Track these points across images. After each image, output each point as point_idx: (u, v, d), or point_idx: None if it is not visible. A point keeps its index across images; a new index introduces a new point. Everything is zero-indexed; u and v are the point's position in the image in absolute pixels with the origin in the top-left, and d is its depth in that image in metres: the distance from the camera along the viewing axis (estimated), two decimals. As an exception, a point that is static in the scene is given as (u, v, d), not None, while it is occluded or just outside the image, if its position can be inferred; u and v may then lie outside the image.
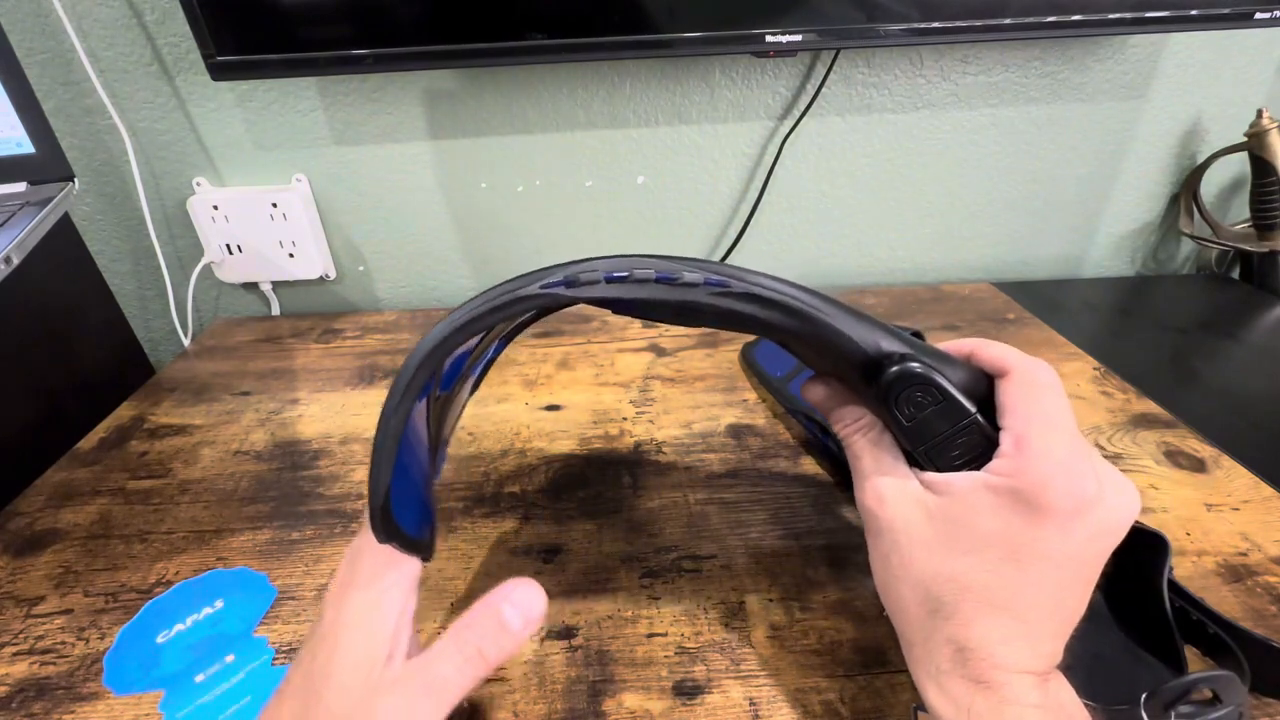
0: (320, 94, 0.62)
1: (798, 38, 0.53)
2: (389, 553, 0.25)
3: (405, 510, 0.25)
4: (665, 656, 0.33)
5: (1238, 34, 0.64)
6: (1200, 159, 0.70)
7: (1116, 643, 0.32)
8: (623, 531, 0.41)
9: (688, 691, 0.32)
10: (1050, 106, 0.67)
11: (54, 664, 0.34)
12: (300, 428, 0.51)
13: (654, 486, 0.44)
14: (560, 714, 0.31)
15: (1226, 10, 0.54)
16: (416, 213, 0.68)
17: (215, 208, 0.65)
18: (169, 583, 0.38)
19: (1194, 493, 0.43)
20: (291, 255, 0.67)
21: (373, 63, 0.52)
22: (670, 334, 0.63)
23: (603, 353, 0.60)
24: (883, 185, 0.70)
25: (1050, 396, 0.25)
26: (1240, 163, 0.69)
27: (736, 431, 0.49)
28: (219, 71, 0.52)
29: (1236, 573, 0.37)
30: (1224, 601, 0.35)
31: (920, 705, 0.26)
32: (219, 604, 0.37)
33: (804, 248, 0.73)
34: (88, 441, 0.50)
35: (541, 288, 0.25)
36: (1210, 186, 0.73)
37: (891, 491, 0.27)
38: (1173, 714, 0.26)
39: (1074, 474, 0.23)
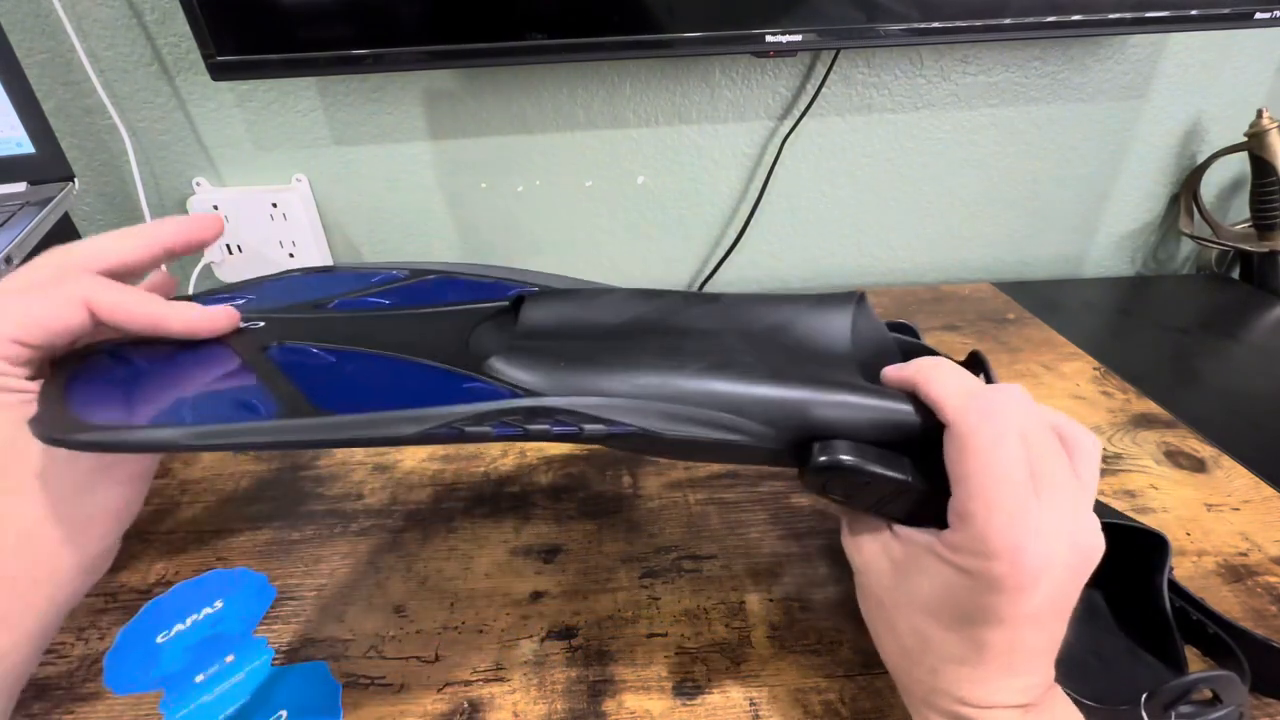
0: (320, 94, 0.62)
1: (798, 38, 0.53)
2: None
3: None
4: (665, 656, 0.33)
5: (1238, 34, 0.64)
6: (1200, 159, 0.70)
7: (1116, 643, 0.32)
8: (623, 531, 0.41)
9: (688, 691, 0.32)
10: (1050, 106, 0.67)
11: (53, 664, 0.34)
12: (300, 428, 0.51)
13: (654, 486, 0.44)
14: (560, 714, 0.31)
15: (1226, 10, 0.54)
16: (416, 213, 0.68)
17: (215, 208, 0.65)
18: (169, 583, 0.38)
19: (1194, 493, 0.43)
20: (291, 255, 0.67)
21: (373, 63, 0.52)
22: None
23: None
24: (883, 185, 0.70)
25: (991, 451, 0.22)
26: (1240, 163, 0.69)
27: (736, 431, 0.49)
28: (219, 71, 0.52)
29: (1236, 573, 0.37)
30: (1224, 601, 0.35)
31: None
32: (219, 604, 0.37)
33: (804, 248, 0.73)
34: (87, 441, 0.50)
35: (487, 430, 0.22)
36: (1210, 186, 0.73)
37: (865, 535, 0.27)
38: (1173, 714, 0.27)
39: (1019, 550, 0.21)
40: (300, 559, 0.39)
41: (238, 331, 0.26)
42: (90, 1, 0.56)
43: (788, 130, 0.65)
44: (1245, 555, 0.38)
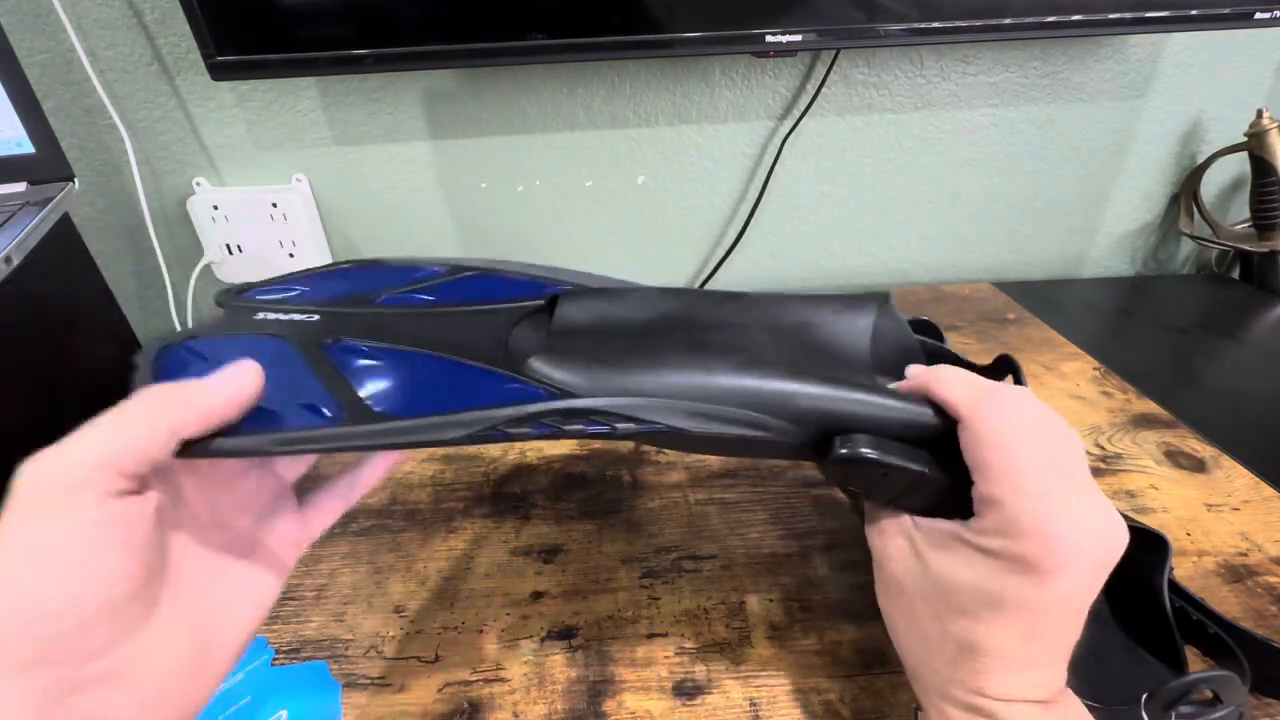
0: (320, 94, 0.62)
1: (798, 38, 0.53)
2: None
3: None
4: (665, 657, 0.33)
5: (1238, 34, 0.64)
6: (1200, 159, 0.70)
7: (1117, 643, 0.32)
8: (623, 531, 0.41)
9: (688, 692, 0.32)
10: (1050, 106, 0.67)
11: (54, 664, 0.34)
12: (300, 428, 0.51)
13: (654, 486, 0.44)
14: (560, 714, 0.31)
15: (1226, 10, 0.54)
16: (416, 213, 0.68)
17: (215, 208, 0.65)
18: (169, 583, 0.38)
19: (1194, 493, 0.43)
20: (291, 255, 0.67)
21: (373, 63, 0.52)
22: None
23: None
24: (883, 185, 0.70)
25: (1010, 440, 0.23)
26: (1240, 163, 0.69)
27: (736, 431, 0.49)
28: (219, 71, 0.52)
29: (1237, 573, 0.37)
30: (1224, 602, 0.35)
31: (921, 705, 0.26)
32: (219, 604, 0.37)
33: (804, 248, 0.73)
34: (87, 441, 0.50)
35: (525, 432, 0.24)
36: (1210, 186, 0.73)
37: (888, 528, 0.27)
38: (1173, 714, 0.27)
39: (1049, 534, 0.21)
40: (300, 559, 0.39)
41: (295, 325, 0.27)
42: (90, 1, 0.56)
43: (788, 130, 0.65)
44: (1245, 555, 0.38)
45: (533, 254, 0.71)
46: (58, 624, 0.17)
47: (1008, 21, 0.54)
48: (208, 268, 0.67)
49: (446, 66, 0.60)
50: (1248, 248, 0.68)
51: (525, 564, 0.39)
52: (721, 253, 0.72)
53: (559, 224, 0.70)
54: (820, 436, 0.26)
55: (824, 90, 0.64)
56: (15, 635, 0.17)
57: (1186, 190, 0.71)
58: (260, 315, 0.28)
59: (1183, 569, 0.37)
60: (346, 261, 0.35)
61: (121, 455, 0.19)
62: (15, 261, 0.46)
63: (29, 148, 0.52)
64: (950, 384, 0.25)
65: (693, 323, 0.30)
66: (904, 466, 0.25)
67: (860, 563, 0.38)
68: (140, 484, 0.19)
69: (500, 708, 0.31)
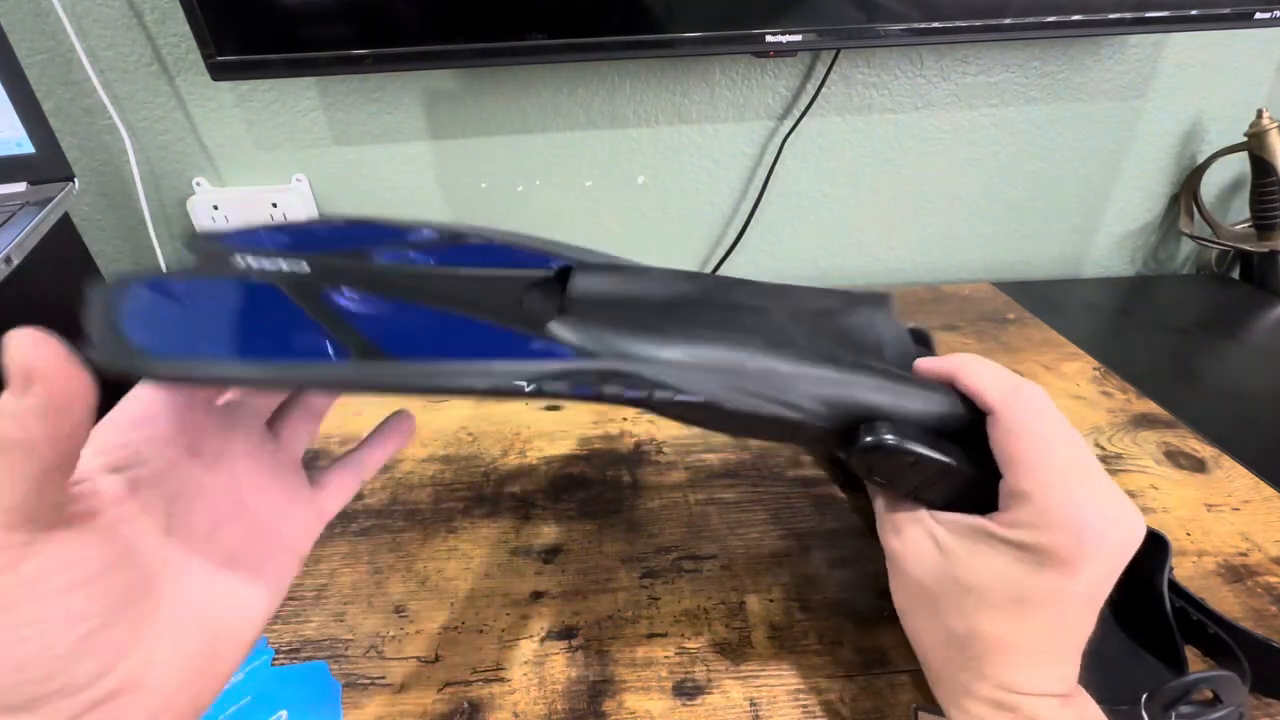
0: (320, 94, 0.62)
1: (798, 37, 0.53)
2: None
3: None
4: (665, 657, 0.33)
5: (1238, 34, 0.64)
6: (1200, 159, 0.70)
7: (1117, 643, 0.32)
8: (623, 531, 0.41)
9: (688, 692, 0.32)
10: (1050, 106, 0.67)
11: (54, 664, 0.34)
12: (300, 428, 0.51)
13: (654, 486, 0.44)
14: (560, 714, 0.31)
15: (1226, 10, 0.54)
16: (416, 213, 0.68)
17: (215, 207, 0.65)
18: (169, 583, 0.38)
19: (1194, 493, 0.43)
20: (291, 255, 0.67)
21: (373, 63, 0.52)
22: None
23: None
24: (883, 185, 0.70)
25: (1042, 435, 0.24)
26: (1240, 163, 0.69)
27: (736, 431, 0.49)
28: (219, 71, 0.52)
29: (1237, 573, 0.37)
30: (1224, 602, 0.35)
31: (921, 706, 0.26)
32: (219, 604, 0.37)
33: (804, 248, 0.73)
34: (87, 441, 0.50)
35: (556, 390, 0.23)
36: (1210, 186, 0.73)
37: (906, 523, 0.27)
38: (1173, 714, 0.26)
39: (1078, 527, 0.22)
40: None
41: (285, 275, 0.24)
42: (90, 1, 0.56)
43: (788, 130, 0.65)
44: (1245, 555, 0.38)
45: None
46: (27, 675, 0.16)
47: (1008, 21, 0.54)
48: (208, 268, 0.67)
49: (446, 66, 0.60)
50: (1248, 248, 0.68)
51: (525, 564, 0.39)
52: (721, 253, 0.72)
53: (559, 224, 0.70)
54: (847, 424, 0.26)
55: (824, 90, 0.64)
56: None
57: (1186, 190, 0.71)
58: (241, 262, 0.24)
59: (1183, 569, 0.37)
60: (331, 216, 0.32)
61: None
62: (15, 261, 0.46)
63: (29, 148, 0.52)
64: (980, 374, 0.25)
65: (713, 303, 0.29)
66: (929, 456, 0.25)
67: (860, 562, 0.38)
68: (51, 524, 0.17)
69: (500, 708, 0.31)
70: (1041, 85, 0.66)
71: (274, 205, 0.64)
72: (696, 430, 0.49)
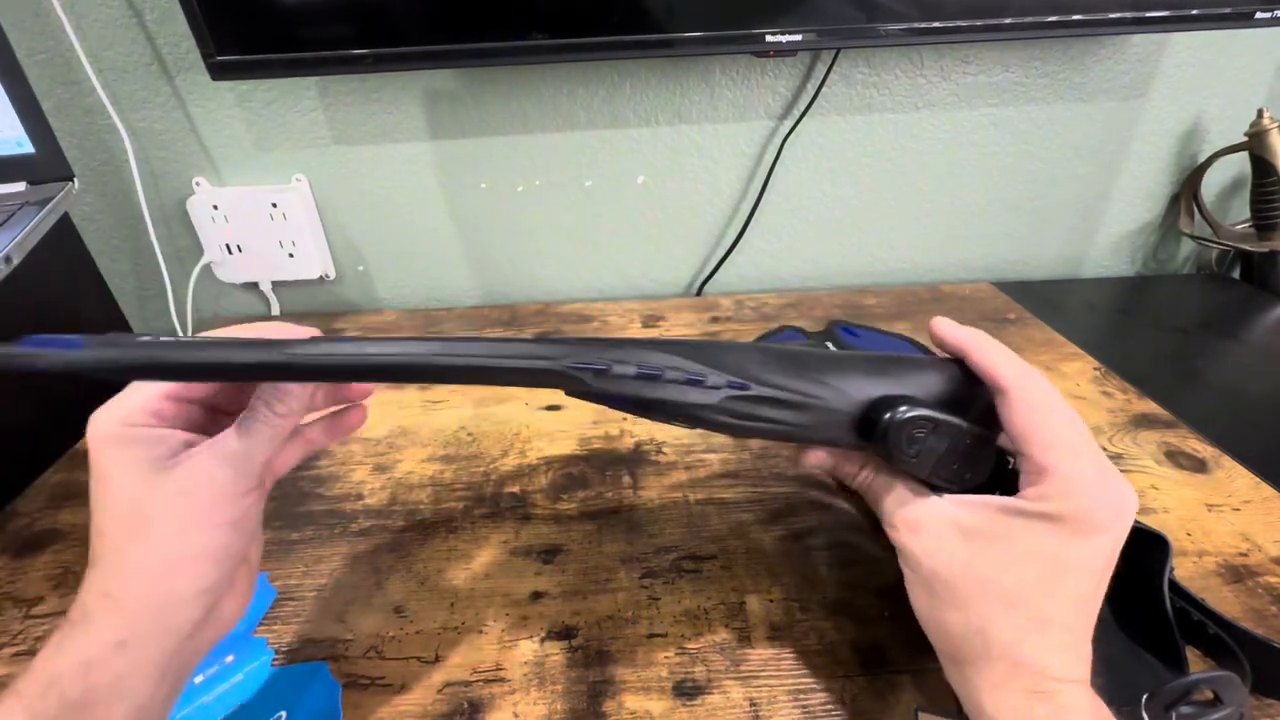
0: (320, 94, 0.62)
1: (798, 37, 0.53)
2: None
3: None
4: (665, 657, 0.33)
5: (1238, 34, 0.64)
6: (1201, 159, 0.70)
7: (1117, 643, 0.32)
8: (623, 531, 0.41)
9: (688, 692, 0.32)
10: (1051, 106, 0.67)
11: (53, 664, 0.34)
12: (300, 428, 0.51)
13: (654, 486, 0.44)
14: (560, 714, 0.31)
15: (1227, 10, 0.54)
16: (416, 213, 0.68)
17: (215, 207, 0.65)
18: (168, 583, 0.38)
19: (1195, 493, 0.43)
20: (291, 255, 0.67)
21: (373, 62, 0.52)
22: (671, 333, 0.63)
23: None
24: (883, 185, 0.70)
25: (1056, 412, 0.25)
26: (1241, 162, 0.69)
27: (736, 431, 0.49)
28: (219, 71, 0.52)
29: (1237, 573, 0.37)
30: (1225, 602, 0.35)
31: (921, 706, 0.26)
32: (219, 604, 0.37)
33: (804, 248, 0.73)
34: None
35: (570, 366, 0.24)
36: (1210, 186, 0.72)
37: (924, 516, 0.27)
38: (1174, 714, 0.26)
39: (1099, 495, 0.24)
40: (300, 559, 0.39)
41: None
42: (90, 1, 0.56)
43: (788, 130, 0.65)
44: (1246, 556, 0.38)
45: (533, 254, 0.71)
46: (198, 576, 0.24)
47: (1008, 21, 0.54)
48: (207, 268, 0.67)
49: (446, 66, 0.60)
50: (1248, 248, 0.68)
51: (525, 564, 0.39)
52: (722, 253, 0.72)
53: (559, 224, 0.70)
54: (865, 414, 0.27)
55: (824, 90, 0.64)
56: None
57: (1187, 190, 0.71)
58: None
59: (1183, 569, 0.37)
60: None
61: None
62: (15, 261, 0.46)
63: (29, 147, 0.52)
64: (994, 353, 0.27)
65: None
66: (950, 421, 0.26)
67: (860, 562, 0.38)
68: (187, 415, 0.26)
69: (500, 708, 0.31)
70: (1042, 85, 0.65)
71: (274, 205, 0.64)
72: (696, 430, 0.49)
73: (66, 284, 0.56)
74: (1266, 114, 0.63)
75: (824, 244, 0.73)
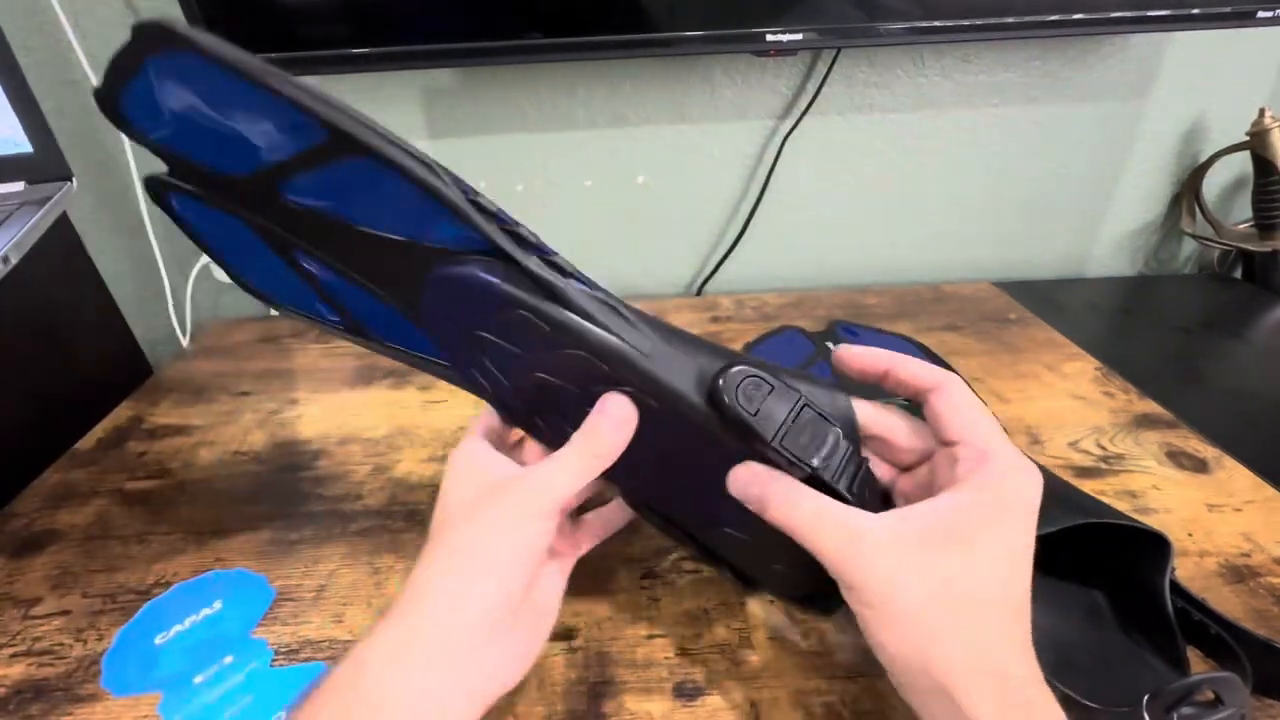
0: (320, 93, 0.61)
1: (798, 37, 0.53)
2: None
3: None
4: (665, 658, 0.33)
5: (1240, 33, 0.64)
6: (1202, 158, 0.70)
7: (1118, 643, 0.32)
8: (623, 531, 0.40)
9: (688, 693, 0.32)
10: (1052, 106, 0.66)
11: (52, 665, 0.34)
12: (299, 428, 0.51)
13: (654, 487, 0.44)
14: (560, 715, 0.31)
15: (1228, 9, 0.54)
16: (416, 212, 0.68)
17: (214, 207, 0.64)
18: (167, 584, 0.38)
19: (1196, 493, 0.42)
20: (291, 255, 0.67)
21: (372, 61, 0.52)
22: (670, 334, 0.63)
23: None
24: (883, 185, 0.70)
25: (979, 407, 0.27)
26: (1242, 162, 0.69)
27: (737, 432, 0.49)
28: (218, 70, 0.52)
29: (1238, 573, 0.37)
30: (1226, 602, 0.35)
31: None
32: (217, 605, 0.37)
33: (804, 247, 0.73)
34: (86, 442, 0.50)
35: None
36: (1212, 186, 0.72)
37: (884, 554, 0.24)
38: (1175, 715, 0.26)
39: (1028, 477, 0.25)
40: (300, 559, 0.39)
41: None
42: (89, 1, 0.56)
43: (789, 129, 0.65)
44: (1247, 556, 0.38)
45: (533, 253, 0.71)
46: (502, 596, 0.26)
47: (1009, 21, 0.53)
48: (206, 268, 0.67)
49: (446, 66, 0.60)
50: (1250, 247, 0.68)
51: (525, 564, 0.38)
52: (722, 252, 0.72)
53: (559, 224, 0.70)
54: (710, 381, 0.26)
55: (825, 89, 0.63)
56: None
57: (1188, 190, 0.71)
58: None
59: (1184, 570, 0.37)
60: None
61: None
62: (13, 261, 0.46)
63: (27, 147, 0.51)
64: (915, 362, 0.28)
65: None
66: (789, 384, 0.26)
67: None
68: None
69: (499, 708, 0.31)
70: (1043, 85, 0.65)
71: (273, 205, 0.64)
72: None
73: (64, 284, 0.56)
74: (1268, 113, 0.63)
75: (825, 243, 0.73)
